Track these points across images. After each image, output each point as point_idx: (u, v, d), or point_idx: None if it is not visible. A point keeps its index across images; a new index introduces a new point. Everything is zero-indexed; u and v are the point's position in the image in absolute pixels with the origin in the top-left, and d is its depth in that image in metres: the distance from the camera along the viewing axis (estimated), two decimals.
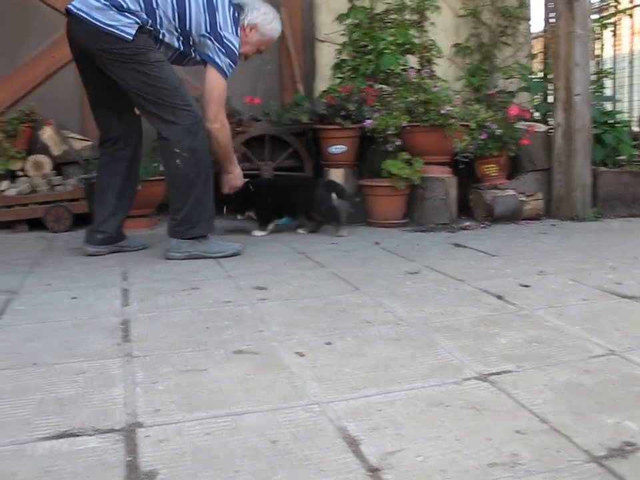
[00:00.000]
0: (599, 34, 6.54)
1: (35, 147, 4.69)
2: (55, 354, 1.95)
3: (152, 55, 3.21)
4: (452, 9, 5.70)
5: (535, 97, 5.78)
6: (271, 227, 4.14)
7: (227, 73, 3.35)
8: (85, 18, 3.11)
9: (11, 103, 4.98)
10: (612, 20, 6.67)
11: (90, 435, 1.41)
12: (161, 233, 3.59)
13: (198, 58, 3.41)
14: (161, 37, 3.26)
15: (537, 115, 5.46)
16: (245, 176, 3.89)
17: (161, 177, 4.03)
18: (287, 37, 5.42)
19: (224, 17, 3.33)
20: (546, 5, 6.17)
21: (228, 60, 3.33)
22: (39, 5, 5.01)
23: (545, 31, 6.31)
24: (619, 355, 1.87)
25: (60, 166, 4.73)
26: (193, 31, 3.30)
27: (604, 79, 6.12)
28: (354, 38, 5.17)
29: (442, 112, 4.34)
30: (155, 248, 3.65)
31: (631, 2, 6.75)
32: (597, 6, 6.48)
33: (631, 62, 6.97)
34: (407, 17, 5.40)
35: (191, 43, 3.35)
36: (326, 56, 5.36)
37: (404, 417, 1.48)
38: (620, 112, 5.98)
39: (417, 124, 4.41)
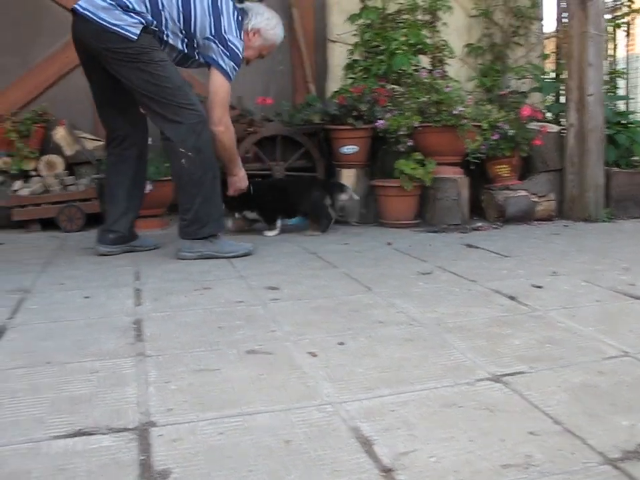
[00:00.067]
0: (611, 34, 6.50)
1: (48, 147, 4.72)
2: (68, 353, 1.95)
3: (156, 54, 3.22)
4: (464, 9, 5.68)
5: (547, 97, 5.76)
6: (279, 224, 4.15)
7: (231, 75, 3.36)
8: (91, 17, 3.13)
9: (24, 103, 5.01)
10: (625, 20, 6.62)
11: (104, 434, 1.41)
12: (173, 233, 3.60)
13: (201, 60, 3.43)
14: (165, 38, 3.28)
15: (549, 115, 5.43)
16: (257, 176, 3.89)
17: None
18: (299, 37, 5.42)
19: (228, 20, 3.35)
20: (558, 5, 6.13)
21: (232, 63, 3.34)
22: (51, 5, 5.03)
23: (557, 30, 6.27)
24: (633, 356, 1.86)
25: (72, 166, 4.75)
26: (198, 34, 3.32)
27: (617, 79, 6.09)
28: (366, 38, 5.16)
29: (454, 112, 4.33)
30: (166, 248, 3.66)
31: None
32: (610, 5, 6.44)
33: None
34: (419, 17, 5.39)
35: (195, 45, 3.37)
36: (338, 56, 5.35)
37: (417, 417, 1.48)
38: (633, 112, 5.96)
39: (429, 124, 4.40)
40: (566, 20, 5.11)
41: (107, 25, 3.11)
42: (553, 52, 6.35)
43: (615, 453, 1.30)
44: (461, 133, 4.32)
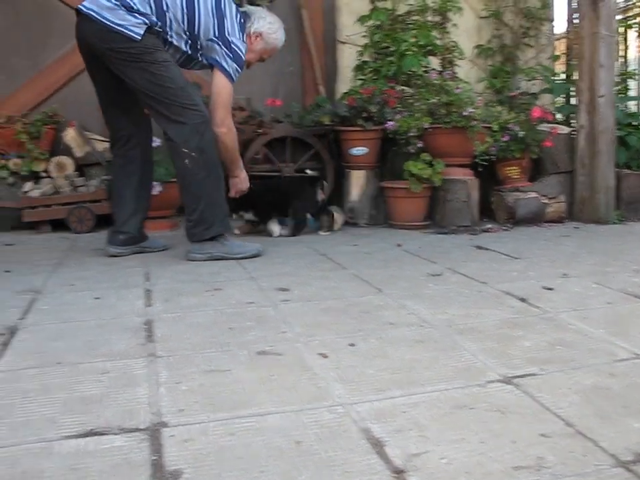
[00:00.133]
0: (623, 34, 6.48)
1: (58, 149, 4.74)
2: (79, 353, 1.96)
3: (159, 54, 3.24)
4: (474, 10, 5.67)
5: (558, 98, 5.74)
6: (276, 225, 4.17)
7: (234, 77, 3.37)
8: (95, 17, 3.14)
9: (34, 105, 5.03)
10: (637, 20, 6.61)
11: (115, 434, 1.42)
12: (182, 234, 3.61)
13: (204, 62, 3.44)
14: (169, 39, 3.29)
15: (559, 116, 5.42)
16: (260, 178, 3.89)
17: None
18: (309, 38, 5.42)
19: (232, 22, 3.37)
20: (569, 6, 6.12)
21: (235, 65, 3.35)
22: (61, 6, 5.05)
23: (568, 31, 6.27)
24: None
25: (82, 167, 4.77)
26: (201, 35, 3.33)
27: (628, 80, 6.07)
28: (375, 39, 5.16)
29: (464, 114, 4.32)
30: (176, 249, 3.67)
31: None
32: (621, 6, 6.43)
33: None
34: (429, 18, 5.39)
35: (198, 47, 3.38)
36: (347, 57, 5.35)
37: (428, 419, 1.48)
38: None
39: (439, 126, 4.39)
40: (577, 21, 5.11)
41: (111, 24, 3.12)
42: (563, 53, 6.33)
43: (627, 456, 1.30)
44: (471, 135, 4.32)
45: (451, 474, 1.24)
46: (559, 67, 6.34)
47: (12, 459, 1.32)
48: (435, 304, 2.46)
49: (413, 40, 5.00)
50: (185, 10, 3.27)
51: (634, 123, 5.09)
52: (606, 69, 4.54)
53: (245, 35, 3.46)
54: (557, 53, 6.20)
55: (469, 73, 5.52)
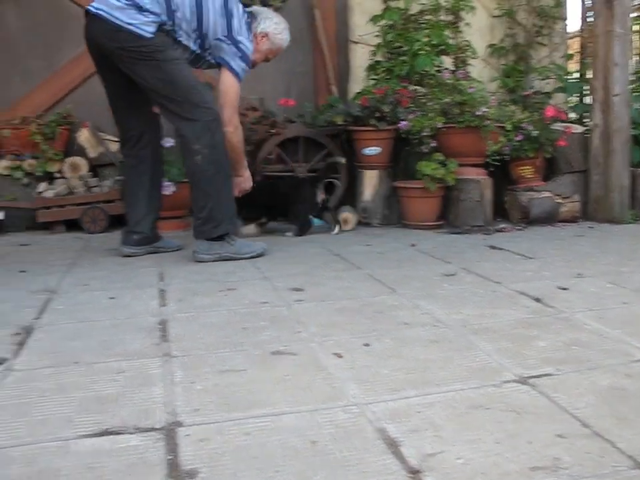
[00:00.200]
0: (638, 32, 6.44)
1: (72, 149, 4.76)
2: (95, 353, 1.97)
3: (169, 53, 3.25)
4: (487, 9, 5.65)
5: (571, 97, 5.71)
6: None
7: (241, 76, 3.38)
8: (106, 17, 3.15)
9: (49, 105, 5.06)
10: None
11: (131, 434, 1.42)
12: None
13: (212, 61, 3.45)
14: (178, 38, 3.30)
15: (573, 116, 5.39)
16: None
17: None
18: (321, 38, 5.42)
19: (239, 22, 3.39)
20: (583, 4, 6.09)
21: (243, 64, 3.37)
22: (75, 7, 5.06)
23: (581, 30, 6.23)
24: None
25: (96, 168, 4.79)
26: (210, 34, 3.34)
27: None
28: (388, 39, 5.15)
29: (477, 113, 4.31)
30: (190, 249, 3.66)
31: None
32: (636, 4, 6.39)
33: None
34: (442, 17, 5.37)
35: (206, 46, 3.39)
36: (360, 57, 5.34)
37: (443, 419, 1.47)
38: None
39: (452, 125, 4.39)
40: (591, 19, 5.06)
41: (122, 23, 3.13)
42: (577, 52, 6.30)
43: None
44: (485, 134, 4.30)
45: (467, 474, 1.24)
46: (573, 65, 6.30)
47: (29, 457, 1.33)
48: (449, 304, 2.46)
49: (425, 39, 4.99)
50: (194, 9, 3.28)
51: None
52: (620, 68, 4.51)
53: (251, 35, 3.48)
54: (571, 52, 6.16)
55: (481, 72, 5.49)
